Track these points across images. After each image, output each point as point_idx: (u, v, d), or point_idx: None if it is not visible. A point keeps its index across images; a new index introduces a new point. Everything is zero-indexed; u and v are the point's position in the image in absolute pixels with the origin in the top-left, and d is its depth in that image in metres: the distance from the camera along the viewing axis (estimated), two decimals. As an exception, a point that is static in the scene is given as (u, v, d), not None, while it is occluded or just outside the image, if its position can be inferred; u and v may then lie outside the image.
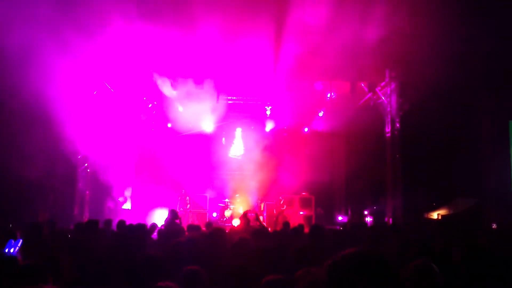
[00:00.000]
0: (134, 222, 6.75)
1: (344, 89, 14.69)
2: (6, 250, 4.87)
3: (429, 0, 10.09)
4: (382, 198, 14.44)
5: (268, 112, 16.81)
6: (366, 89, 14.53)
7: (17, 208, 11.31)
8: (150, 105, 16.52)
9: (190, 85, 14.30)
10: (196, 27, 11.18)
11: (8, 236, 5.59)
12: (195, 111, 15.73)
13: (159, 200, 15.30)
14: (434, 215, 13.23)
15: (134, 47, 11.87)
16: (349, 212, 17.05)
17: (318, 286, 2.68)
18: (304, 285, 2.66)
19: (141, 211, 15.23)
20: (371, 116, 14.80)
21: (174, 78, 14.11)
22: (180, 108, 15.81)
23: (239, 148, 17.80)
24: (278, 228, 11.32)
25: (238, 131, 17.89)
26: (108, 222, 8.69)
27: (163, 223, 9.18)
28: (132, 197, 16.27)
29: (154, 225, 8.18)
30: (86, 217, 14.09)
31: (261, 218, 15.42)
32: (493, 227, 11.04)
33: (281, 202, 15.17)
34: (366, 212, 15.66)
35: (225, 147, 17.71)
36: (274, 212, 15.19)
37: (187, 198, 15.43)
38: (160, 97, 15.62)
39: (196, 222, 14.14)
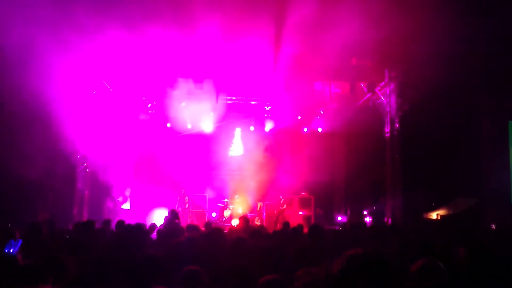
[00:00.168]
0: (133, 222, 6.75)
1: (344, 89, 14.71)
2: (6, 250, 4.87)
3: (429, 1, 10.09)
4: (381, 198, 14.45)
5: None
6: (365, 89, 14.54)
7: (17, 208, 11.30)
8: (149, 105, 16.51)
9: (189, 85, 14.31)
10: (196, 27, 11.17)
11: (7, 236, 5.58)
12: (195, 111, 15.73)
13: (159, 200, 15.30)
14: (434, 215, 13.23)
15: (133, 47, 11.87)
16: (349, 212, 17.05)
17: (318, 286, 2.68)
18: (303, 285, 2.66)
19: (141, 211, 15.23)
20: (371, 116, 14.81)
21: (174, 78, 14.12)
22: (183, 103, 15.76)
23: (239, 148, 17.80)
24: (279, 227, 11.32)
25: (238, 131, 17.89)
26: (107, 222, 8.68)
27: (162, 223, 9.18)
28: (131, 197, 16.26)
29: (153, 225, 8.17)
30: (85, 217, 14.08)
31: (256, 218, 15.48)
32: (492, 227, 11.04)
33: (281, 201, 15.18)
34: (365, 212, 15.67)
35: (225, 147, 17.70)
36: (275, 212, 15.21)
37: (186, 198, 15.43)
38: (160, 97, 15.61)
39: (195, 222, 14.15)
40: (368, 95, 14.78)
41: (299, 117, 16.88)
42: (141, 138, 16.56)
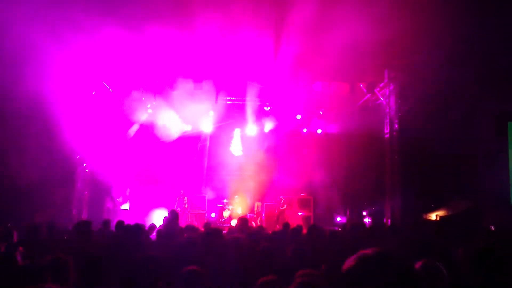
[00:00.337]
0: (133, 223, 6.74)
1: (343, 90, 14.72)
2: (6, 251, 4.85)
3: (429, 0, 10.09)
4: (380, 199, 14.46)
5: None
6: (365, 90, 14.56)
7: (16, 208, 11.28)
8: (148, 105, 16.51)
9: (189, 85, 14.32)
10: (196, 27, 11.17)
11: (7, 236, 5.58)
12: (194, 111, 15.74)
13: (158, 200, 15.30)
14: (433, 216, 13.24)
15: (133, 47, 11.86)
16: (348, 213, 17.05)
17: (316, 287, 2.68)
18: (301, 286, 2.65)
19: (140, 211, 15.22)
20: (370, 117, 14.83)
21: (173, 78, 14.13)
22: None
23: (238, 148, 17.79)
24: (280, 227, 11.32)
25: (237, 132, 17.89)
26: (107, 222, 8.67)
27: (161, 223, 9.18)
28: (130, 198, 16.26)
29: (152, 226, 8.17)
30: (84, 217, 14.08)
31: (258, 219, 15.47)
32: (491, 229, 11.04)
33: (282, 202, 15.21)
34: (364, 213, 15.67)
35: (224, 147, 17.69)
36: (276, 212, 15.23)
37: (185, 198, 15.42)
38: (159, 98, 15.61)
39: (194, 223, 14.15)
40: (368, 95, 14.80)
41: (299, 116, 16.86)
42: (141, 139, 16.56)
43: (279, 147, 17.25)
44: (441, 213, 13.13)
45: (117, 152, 15.01)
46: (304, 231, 7.70)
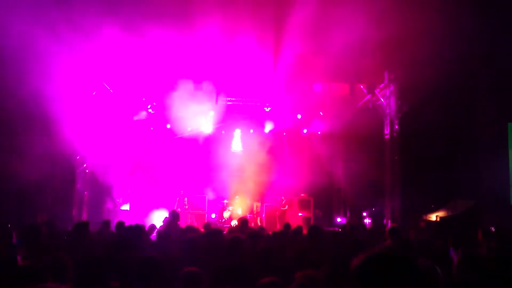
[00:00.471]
0: (133, 223, 6.74)
1: (343, 91, 14.72)
2: (6, 251, 4.86)
3: (428, 2, 10.11)
4: (380, 199, 14.46)
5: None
6: (365, 91, 14.57)
7: (16, 209, 11.29)
8: (149, 106, 16.52)
9: (189, 86, 14.33)
10: (196, 28, 11.18)
11: (6, 237, 5.59)
12: (194, 112, 15.74)
13: (158, 201, 15.29)
14: (433, 217, 13.24)
15: (133, 48, 11.88)
16: (348, 214, 17.05)
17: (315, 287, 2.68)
18: (300, 287, 2.66)
19: (140, 212, 15.22)
20: (370, 117, 14.82)
21: (174, 79, 14.14)
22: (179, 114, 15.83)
23: (238, 148, 17.78)
24: (281, 227, 11.32)
25: (237, 132, 17.89)
26: (107, 223, 8.67)
27: (161, 224, 9.18)
28: (131, 198, 16.26)
29: (152, 226, 8.17)
30: (84, 218, 14.09)
31: (258, 219, 15.47)
32: (491, 229, 11.04)
33: (283, 202, 15.23)
34: (364, 214, 15.67)
35: (224, 148, 17.68)
36: (277, 213, 15.25)
37: (185, 199, 15.42)
38: (159, 98, 15.62)
39: (195, 223, 14.15)
40: (368, 96, 14.80)
41: (299, 116, 16.86)
42: (141, 139, 16.57)
43: (279, 147, 17.25)
44: (441, 214, 13.13)
45: (117, 152, 15.00)
46: (304, 231, 7.71)
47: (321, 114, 16.89)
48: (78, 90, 13.20)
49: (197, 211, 15.61)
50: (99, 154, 14.17)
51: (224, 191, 16.45)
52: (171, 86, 14.55)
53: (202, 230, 8.14)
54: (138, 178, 16.05)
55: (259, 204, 15.92)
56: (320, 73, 13.50)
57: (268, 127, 17.31)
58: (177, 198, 15.32)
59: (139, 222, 7.14)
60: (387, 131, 14.16)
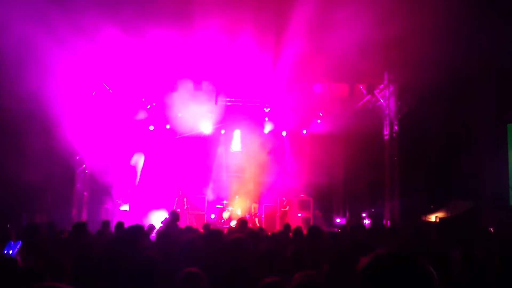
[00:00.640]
0: (133, 224, 6.74)
1: (343, 91, 14.73)
2: (6, 251, 4.87)
3: (428, 3, 10.12)
4: (380, 200, 14.47)
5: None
6: (364, 92, 14.58)
7: (15, 209, 11.29)
8: (148, 106, 16.52)
9: (189, 86, 14.33)
10: (195, 29, 11.18)
11: (6, 237, 5.58)
12: (194, 112, 15.75)
13: (158, 201, 15.30)
14: (432, 218, 13.25)
15: (133, 48, 11.88)
16: (347, 215, 17.06)
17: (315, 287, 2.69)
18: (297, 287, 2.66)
19: (139, 212, 15.23)
20: (370, 118, 14.83)
21: (173, 79, 14.14)
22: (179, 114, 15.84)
23: (237, 148, 17.79)
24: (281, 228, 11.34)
25: (237, 133, 17.89)
26: (106, 223, 8.67)
27: (161, 224, 9.18)
28: (130, 199, 16.26)
29: (151, 226, 8.17)
30: (84, 218, 14.09)
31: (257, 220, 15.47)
32: (490, 230, 11.05)
33: (284, 203, 15.25)
34: (364, 215, 15.68)
35: (224, 148, 17.70)
36: (278, 214, 15.28)
37: (185, 199, 15.42)
38: (159, 98, 15.63)
39: (194, 224, 14.16)
40: (367, 97, 14.81)
41: (299, 116, 16.88)
42: (140, 140, 16.57)
43: (278, 148, 17.27)
44: (440, 214, 13.14)
45: (117, 153, 15.01)
46: (304, 232, 7.71)
47: (321, 114, 16.90)
48: (78, 90, 13.20)
49: (196, 212, 15.62)
50: (98, 154, 14.17)
51: (224, 192, 16.46)
52: (170, 86, 14.56)
53: (202, 230, 8.14)
54: (138, 179, 16.06)
55: (256, 205, 15.93)
56: (320, 74, 13.50)
57: (268, 127, 17.32)
58: (176, 198, 15.33)
59: (139, 223, 7.14)
60: (386, 131, 14.16)
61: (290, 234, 7.66)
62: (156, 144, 16.58)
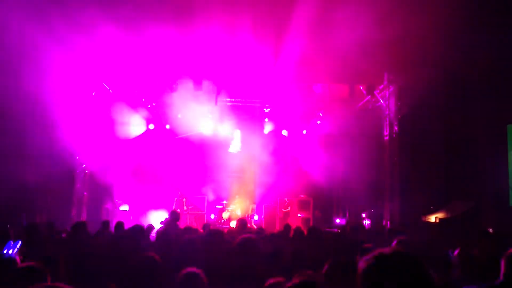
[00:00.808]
0: (132, 224, 6.74)
1: (343, 92, 14.73)
2: (5, 251, 4.87)
3: (428, 4, 10.13)
4: (380, 201, 14.47)
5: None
6: (364, 92, 14.58)
7: (15, 209, 11.28)
8: (149, 106, 16.52)
9: (189, 86, 14.33)
10: (196, 28, 11.18)
11: (6, 237, 5.58)
12: (194, 112, 15.74)
13: (158, 202, 15.30)
14: (432, 218, 13.25)
15: (133, 48, 11.88)
16: (347, 215, 17.06)
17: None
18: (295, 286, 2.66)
19: (139, 212, 15.23)
20: (370, 119, 14.85)
21: (173, 79, 14.14)
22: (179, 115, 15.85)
23: (237, 149, 17.78)
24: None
25: (237, 133, 17.88)
26: (106, 223, 8.67)
27: (160, 224, 9.18)
28: (130, 199, 16.26)
29: (150, 226, 8.17)
30: (84, 218, 14.08)
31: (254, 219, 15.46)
32: (489, 231, 11.06)
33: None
34: (364, 215, 15.68)
35: (224, 149, 17.68)
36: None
37: (184, 199, 15.41)
38: (159, 98, 15.62)
39: (194, 224, 14.15)
40: (367, 98, 14.81)
41: (299, 116, 16.88)
42: (140, 140, 16.57)
43: (278, 148, 17.26)
44: (440, 215, 13.14)
45: (117, 153, 15.00)
46: (304, 232, 7.70)
47: (321, 115, 16.90)
48: (78, 90, 13.20)
49: (196, 212, 15.61)
50: (98, 154, 14.17)
51: (224, 192, 16.45)
52: (170, 86, 14.55)
53: (201, 231, 8.14)
54: (138, 179, 16.05)
55: (254, 206, 15.92)
56: (320, 74, 13.50)
57: (268, 127, 17.31)
58: (175, 199, 15.32)
59: (138, 223, 7.14)
60: (386, 132, 14.17)
61: (290, 234, 7.65)
62: (156, 144, 16.56)
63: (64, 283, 2.29)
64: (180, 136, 16.81)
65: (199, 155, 17.04)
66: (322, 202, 16.98)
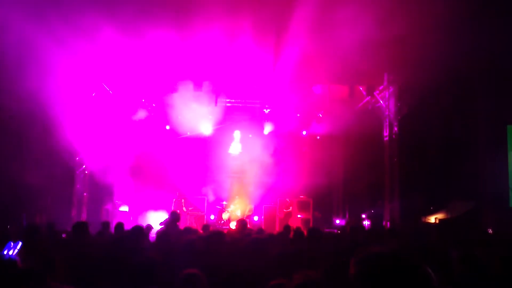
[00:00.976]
0: (132, 224, 6.73)
1: (343, 93, 14.73)
2: (5, 252, 4.87)
3: (428, 3, 10.13)
4: (380, 201, 14.46)
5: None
6: (364, 93, 14.59)
7: (15, 209, 11.28)
8: (149, 107, 16.52)
9: (189, 87, 14.34)
10: (195, 29, 11.19)
11: (6, 238, 5.57)
12: (194, 113, 15.75)
13: (157, 202, 15.30)
14: (432, 219, 13.25)
15: (132, 49, 11.88)
16: (347, 216, 17.05)
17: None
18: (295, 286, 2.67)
19: (139, 213, 15.23)
20: (369, 119, 14.83)
21: (173, 80, 14.15)
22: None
23: (237, 147, 17.79)
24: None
25: (237, 134, 17.89)
26: (106, 224, 8.67)
27: (159, 226, 9.18)
28: (130, 200, 16.25)
29: (149, 226, 8.16)
30: (84, 219, 14.09)
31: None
32: (489, 231, 11.06)
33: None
34: (364, 216, 15.67)
35: (224, 149, 17.69)
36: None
37: (183, 200, 15.40)
38: (159, 100, 15.62)
39: (193, 224, 14.15)
40: (367, 98, 14.81)
41: (298, 115, 16.87)
42: (140, 141, 16.57)
43: (278, 149, 17.26)
44: (440, 216, 13.14)
45: (117, 153, 15.00)
46: (304, 233, 7.70)
47: (321, 115, 16.90)
48: (78, 91, 13.21)
49: (196, 213, 15.61)
50: (98, 155, 14.17)
51: (223, 193, 16.45)
52: (170, 87, 14.56)
53: (201, 231, 8.13)
54: (138, 180, 16.05)
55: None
56: (320, 75, 13.51)
57: (268, 128, 17.32)
58: (174, 200, 15.32)
59: (138, 224, 7.13)
60: (386, 133, 14.17)
61: (290, 235, 7.64)
62: (156, 145, 16.56)
63: (64, 284, 2.29)
64: (180, 137, 16.82)
65: (199, 156, 17.05)
66: (322, 203, 16.97)
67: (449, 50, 10.22)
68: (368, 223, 15.15)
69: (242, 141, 17.64)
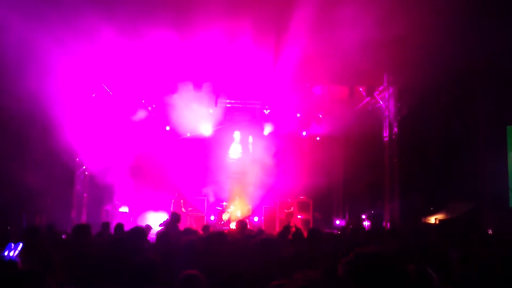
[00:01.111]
0: (132, 225, 6.72)
1: (343, 93, 14.74)
2: (6, 253, 4.86)
3: (428, 3, 10.13)
4: (379, 202, 14.46)
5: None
6: (364, 94, 14.59)
7: (15, 210, 11.28)
8: (149, 108, 16.52)
9: (189, 88, 14.34)
10: (195, 30, 11.19)
11: (6, 239, 5.57)
12: (194, 114, 15.74)
13: (157, 203, 15.29)
14: (432, 220, 13.25)
15: (133, 50, 11.88)
16: (347, 216, 17.05)
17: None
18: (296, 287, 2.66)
19: (139, 214, 15.23)
20: (369, 120, 14.83)
21: (173, 81, 14.15)
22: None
23: (237, 150, 17.81)
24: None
25: (237, 134, 17.90)
26: (106, 225, 8.66)
27: (159, 227, 9.17)
28: (130, 200, 16.24)
29: (147, 227, 8.15)
30: (83, 220, 14.09)
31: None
32: (489, 232, 11.06)
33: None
34: (363, 216, 15.67)
35: (224, 150, 17.70)
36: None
37: (181, 201, 15.40)
38: (159, 100, 15.62)
39: (193, 225, 14.15)
40: (367, 99, 14.82)
41: (298, 115, 16.87)
42: (140, 141, 16.56)
43: (278, 150, 17.26)
44: (440, 216, 13.14)
45: (117, 154, 15.00)
46: (304, 234, 7.70)
47: (321, 116, 16.90)
48: (78, 92, 13.21)
49: (196, 213, 15.61)
50: (98, 156, 14.16)
51: (223, 193, 16.45)
52: (170, 88, 14.56)
53: (201, 232, 8.12)
54: (138, 180, 16.05)
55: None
56: (320, 76, 13.51)
57: (268, 129, 17.32)
58: (172, 200, 15.32)
59: (138, 224, 7.12)
60: (386, 133, 14.17)
61: (290, 236, 7.64)
62: (156, 146, 16.56)
63: (64, 285, 2.29)
64: (180, 138, 16.82)
65: (199, 157, 17.05)
66: (322, 203, 16.97)
67: (449, 50, 10.23)
68: (368, 223, 15.15)
69: (242, 142, 17.65)
